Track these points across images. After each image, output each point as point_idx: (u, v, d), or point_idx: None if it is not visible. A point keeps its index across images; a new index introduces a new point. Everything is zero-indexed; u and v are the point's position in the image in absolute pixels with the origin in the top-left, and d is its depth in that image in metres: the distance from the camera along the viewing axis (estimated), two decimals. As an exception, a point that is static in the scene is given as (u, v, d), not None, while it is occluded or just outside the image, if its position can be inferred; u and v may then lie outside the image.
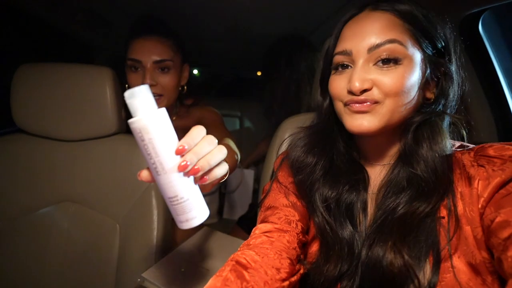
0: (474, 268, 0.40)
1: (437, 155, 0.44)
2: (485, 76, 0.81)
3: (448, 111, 0.47)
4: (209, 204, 1.35)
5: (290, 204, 0.51)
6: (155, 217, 0.77)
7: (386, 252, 0.42)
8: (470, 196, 0.42)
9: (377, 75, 0.43)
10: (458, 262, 0.40)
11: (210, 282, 0.39)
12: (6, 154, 0.80)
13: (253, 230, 0.48)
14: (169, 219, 0.80)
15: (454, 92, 0.47)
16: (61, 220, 0.79)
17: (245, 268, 0.40)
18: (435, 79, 0.47)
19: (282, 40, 1.21)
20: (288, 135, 0.78)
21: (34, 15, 0.99)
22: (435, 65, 0.45)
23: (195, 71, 2.22)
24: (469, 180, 0.43)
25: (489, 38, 0.81)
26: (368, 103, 0.43)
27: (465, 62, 0.79)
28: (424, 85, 0.45)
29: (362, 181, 0.51)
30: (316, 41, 0.80)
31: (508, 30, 0.80)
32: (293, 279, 0.43)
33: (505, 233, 0.36)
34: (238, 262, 0.41)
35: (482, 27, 0.80)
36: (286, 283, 0.41)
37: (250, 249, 0.43)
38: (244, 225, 1.18)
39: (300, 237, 0.48)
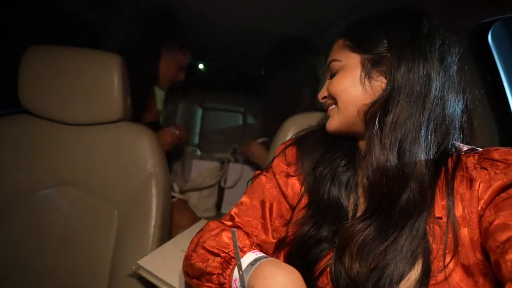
0: (466, 269, 0.40)
1: (381, 150, 0.45)
2: (492, 86, 0.82)
3: (408, 104, 0.46)
4: (207, 197, 1.35)
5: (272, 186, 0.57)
6: (153, 206, 0.77)
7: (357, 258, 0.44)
8: (470, 198, 0.43)
9: (328, 85, 0.55)
10: (451, 263, 0.41)
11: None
12: (10, 133, 0.80)
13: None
14: (168, 209, 0.81)
15: (400, 81, 0.46)
16: (60, 203, 0.79)
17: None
18: (382, 73, 0.49)
19: (284, 41, 1.21)
20: (291, 133, 0.78)
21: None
22: (376, 61, 0.49)
23: (201, 66, 2.22)
24: (471, 182, 0.44)
25: (498, 49, 0.81)
26: (330, 107, 0.56)
27: (473, 72, 0.81)
28: (370, 79, 0.49)
29: (354, 164, 0.53)
30: (325, 41, 0.80)
31: (517, 43, 0.80)
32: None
33: (503, 236, 0.36)
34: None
35: (492, 37, 0.80)
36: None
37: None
38: None
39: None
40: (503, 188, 0.40)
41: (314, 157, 0.55)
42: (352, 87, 0.51)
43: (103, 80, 0.76)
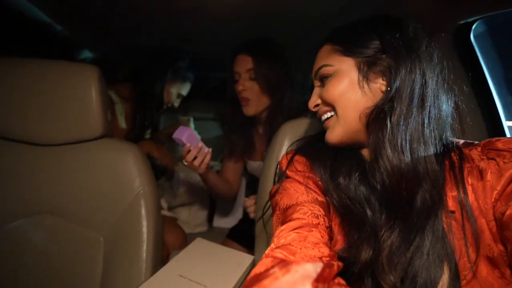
0: (491, 261, 0.40)
1: (393, 152, 0.44)
2: (476, 82, 0.84)
3: (399, 100, 0.46)
4: (198, 212, 1.28)
5: (312, 199, 0.48)
6: (144, 229, 0.70)
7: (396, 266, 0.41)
8: (483, 189, 0.43)
9: (321, 92, 0.53)
10: (475, 257, 0.40)
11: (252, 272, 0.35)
12: (-28, 159, 0.70)
13: (276, 233, 0.43)
14: (160, 230, 0.74)
15: (402, 82, 0.46)
16: (36, 235, 0.70)
17: (285, 261, 0.35)
18: (379, 74, 0.49)
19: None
20: (288, 139, 0.75)
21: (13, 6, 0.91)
22: (372, 63, 0.49)
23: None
24: (481, 173, 0.44)
25: (480, 47, 0.83)
26: (326, 116, 0.53)
27: (458, 69, 0.83)
28: (368, 81, 0.49)
29: (366, 175, 0.50)
30: (311, 45, 0.79)
31: (498, 40, 0.83)
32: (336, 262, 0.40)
33: None
34: (275, 258, 0.36)
35: (474, 36, 0.82)
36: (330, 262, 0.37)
37: (282, 246, 0.39)
38: (236, 237, 1.11)
39: (329, 232, 0.45)
40: None
41: (327, 165, 0.52)
42: (350, 90, 0.50)
43: (79, 94, 0.69)
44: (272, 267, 0.34)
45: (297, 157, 0.57)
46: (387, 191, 0.45)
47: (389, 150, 0.44)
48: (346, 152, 0.54)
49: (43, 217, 0.70)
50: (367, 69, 0.49)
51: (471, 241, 0.41)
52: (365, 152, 0.54)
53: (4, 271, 0.68)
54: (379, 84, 0.49)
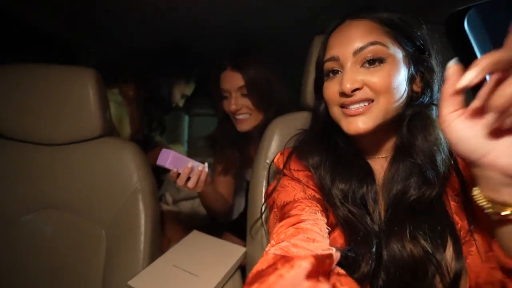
0: (483, 229, 0.43)
1: (432, 144, 0.47)
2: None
3: (436, 102, 0.50)
4: (201, 205, 1.29)
5: (310, 196, 0.49)
6: (142, 221, 0.74)
7: (404, 243, 0.43)
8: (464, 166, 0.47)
9: (366, 75, 0.46)
10: (475, 233, 0.43)
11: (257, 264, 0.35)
12: (-17, 160, 0.76)
13: (275, 230, 0.44)
14: (157, 223, 0.78)
15: (437, 84, 0.49)
16: (43, 228, 0.76)
17: (287, 257, 0.35)
18: (419, 73, 0.49)
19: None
20: (277, 135, 0.76)
21: (14, 15, 0.96)
22: (417, 61, 0.48)
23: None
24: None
25: (474, 35, 0.81)
26: (363, 104, 0.46)
27: (451, 57, 0.82)
28: (411, 79, 0.48)
29: (370, 174, 0.51)
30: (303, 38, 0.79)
31: (491, 27, 0.81)
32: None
33: None
34: (276, 254, 0.36)
35: (468, 24, 0.80)
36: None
37: (282, 241, 0.39)
38: (236, 230, 1.14)
39: (327, 226, 0.46)
40: None
41: (329, 170, 0.51)
42: (401, 85, 0.46)
43: (77, 96, 0.73)
44: (274, 263, 0.33)
45: (294, 156, 0.57)
46: (421, 167, 0.47)
47: (426, 150, 0.47)
48: (350, 156, 0.53)
49: (49, 212, 0.76)
50: (414, 65, 0.48)
51: (467, 215, 0.44)
52: (392, 140, 0.52)
53: (17, 262, 0.74)
54: (414, 84, 0.49)
